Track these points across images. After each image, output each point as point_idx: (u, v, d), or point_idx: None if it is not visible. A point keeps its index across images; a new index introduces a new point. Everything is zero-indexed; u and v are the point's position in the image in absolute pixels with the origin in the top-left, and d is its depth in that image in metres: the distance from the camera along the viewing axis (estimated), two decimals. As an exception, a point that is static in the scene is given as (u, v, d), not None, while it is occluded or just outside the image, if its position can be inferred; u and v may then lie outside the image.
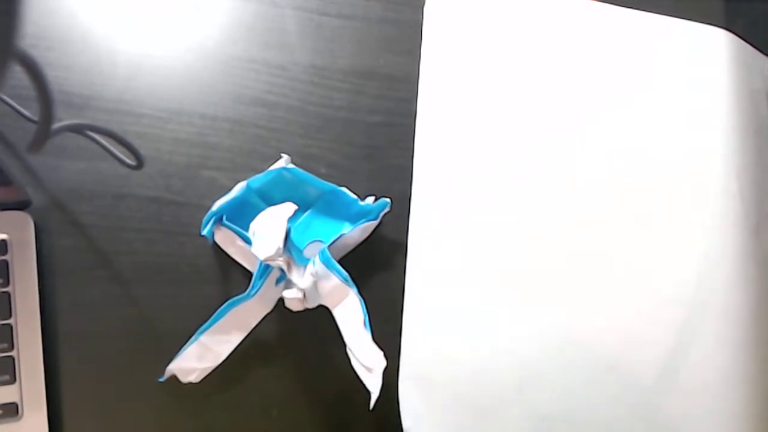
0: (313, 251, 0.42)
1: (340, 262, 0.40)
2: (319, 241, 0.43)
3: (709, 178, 0.48)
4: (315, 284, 0.39)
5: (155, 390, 0.40)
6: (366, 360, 0.38)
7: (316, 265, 0.39)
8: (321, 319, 0.40)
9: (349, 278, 0.39)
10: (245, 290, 0.39)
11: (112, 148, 0.38)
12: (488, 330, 0.44)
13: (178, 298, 0.42)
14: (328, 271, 0.39)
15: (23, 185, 0.40)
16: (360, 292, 0.40)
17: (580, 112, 0.48)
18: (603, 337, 0.44)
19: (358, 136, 0.47)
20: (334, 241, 0.41)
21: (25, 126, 0.40)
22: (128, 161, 0.38)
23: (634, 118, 0.49)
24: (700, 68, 0.51)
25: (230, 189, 0.42)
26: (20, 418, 0.37)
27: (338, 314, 0.40)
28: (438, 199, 0.46)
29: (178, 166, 0.43)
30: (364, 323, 0.39)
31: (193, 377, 0.39)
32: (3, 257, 0.38)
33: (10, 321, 0.38)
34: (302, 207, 0.43)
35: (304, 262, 0.40)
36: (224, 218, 0.41)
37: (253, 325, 0.41)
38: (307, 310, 0.39)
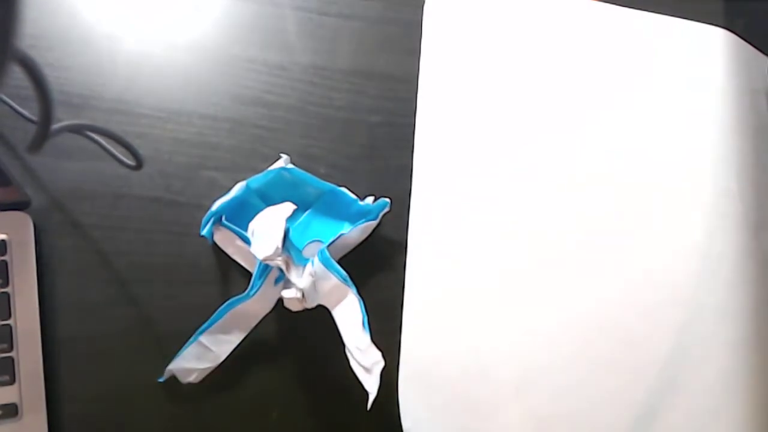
0: (312, 251, 0.42)
1: (339, 262, 0.40)
2: (319, 241, 0.43)
3: (709, 178, 0.48)
4: (314, 284, 0.39)
5: (155, 390, 0.40)
6: (365, 360, 0.38)
7: (315, 265, 0.39)
8: (320, 319, 0.40)
9: (348, 278, 0.39)
10: (245, 290, 0.39)
11: (111, 149, 0.38)
12: (488, 330, 0.44)
13: (178, 298, 0.42)
14: (327, 271, 0.39)
15: (23, 185, 0.40)
16: (359, 292, 0.40)
17: (580, 111, 0.48)
18: (603, 337, 0.44)
19: (358, 136, 0.47)
20: (333, 241, 0.41)
21: (25, 126, 0.40)
22: (128, 162, 0.38)
23: (634, 117, 0.49)
24: (700, 68, 0.51)
25: (230, 189, 0.41)
26: (20, 419, 0.37)
27: (337, 314, 0.40)
28: (438, 199, 0.46)
29: (177, 167, 0.43)
30: (363, 323, 0.39)
31: (193, 377, 0.39)
32: (3, 257, 0.38)
33: (10, 321, 0.37)
34: (302, 207, 0.43)
35: (304, 262, 0.40)
36: (223, 218, 0.41)
37: (253, 325, 0.41)
38: (306, 310, 0.39)
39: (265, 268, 0.39)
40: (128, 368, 0.40)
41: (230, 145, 0.44)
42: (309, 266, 0.39)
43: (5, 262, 0.38)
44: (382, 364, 0.39)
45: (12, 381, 0.37)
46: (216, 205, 0.41)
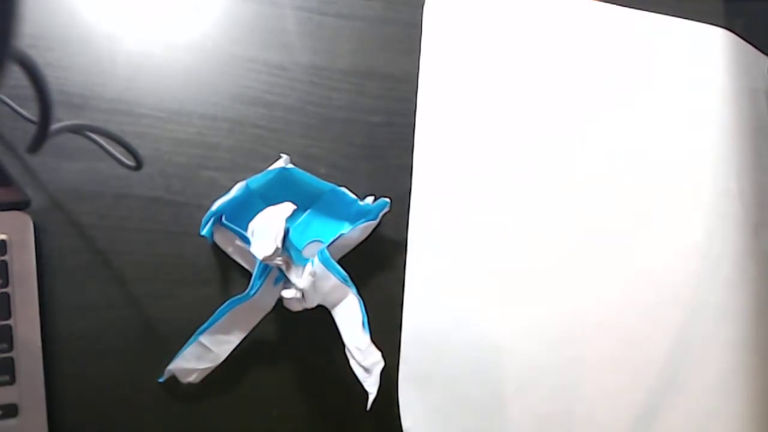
0: (312, 251, 0.42)
1: (339, 262, 0.40)
2: (319, 241, 0.43)
3: (709, 178, 0.48)
4: (314, 284, 0.39)
5: (155, 390, 0.40)
6: (364, 360, 0.38)
7: (315, 265, 0.39)
8: (320, 319, 0.40)
9: (348, 278, 0.39)
10: (244, 290, 0.39)
11: (111, 149, 0.38)
12: (488, 330, 0.44)
13: (178, 298, 0.42)
14: (327, 271, 0.39)
15: (23, 185, 0.40)
16: (359, 292, 0.40)
17: (581, 111, 0.48)
18: (603, 336, 0.44)
19: (358, 136, 0.47)
20: (333, 241, 0.41)
21: (24, 126, 0.40)
22: (128, 162, 0.38)
23: (634, 117, 0.49)
24: (700, 68, 0.51)
25: (230, 189, 0.41)
26: (20, 419, 0.37)
27: (337, 314, 0.40)
28: (438, 198, 0.46)
29: (177, 167, 0.43)
30: (363, 323, 0.39)
31: (193, 378, 0.39)
32: (2, 257, 0.38)
33: (10, 321, 0.37)
34: (301, 207, 0.43)
35: (303, 262, 0.40)
36: (223, 218, 0.41)
37: (253, 326, 0.41)
38: (306, 310, 0.39)
39: (264, 268, 0.39)
40: (128, 368, 0.40)
41: (230, 145, 0.44)
42: (309, 266, 0.39)
43: (5, 262, 0.38)
44: (382, 364, 0.39)
45: (12, 381, 0.37)
46: (216, 205, 0.41)
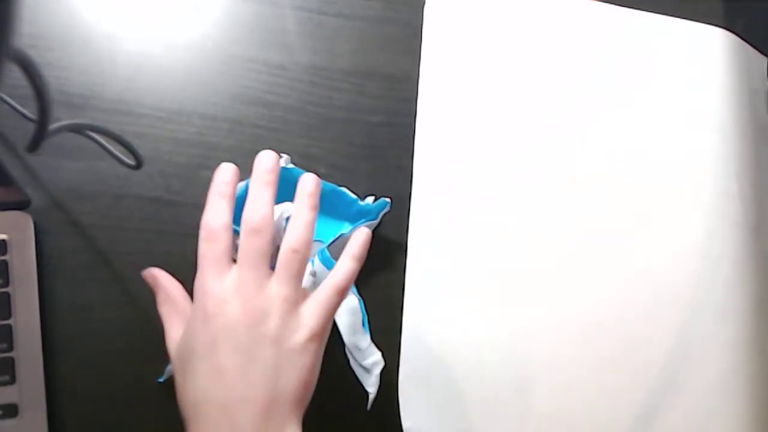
0: (312, 251, 0.42)
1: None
2: (319, 241, 0.43)
3: (708, 178, 0.48)
4: (314, 284, 0.39)
5: (155, 390, 0.40)
6: (364, 360, 0.39)
7: (315, 265, 0.39)
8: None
9: None
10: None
11: (111, 148, 0.38)
12: (488, 329, 0.44)
13: (178, 298, 0.42)
14: (328, 271, 0.39)
15: (23, 185, 0.40)
16: (359, 292, 0.40)
17: (581, 111, 0.48)
18: (603, 336, 0.44)
19: (358, 136, 0.47)
20: (333, 241, 0.41)
21: (25, 126, 0.39)
22: (128, 161, 0.38)
23: (634, 117, 0.49)
24: (700, 68, 0.51)
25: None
26: (20, 419, 0.37)
27: (337, 314, 0.40)
28: (438, 199, 0.46)
29: (177, 166, 0.43)
30: (363, 323, 0.39)
31: None
32: (3, 257, 0.38)
33: (10, 321, 0.37)
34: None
35: None
36: None
37: None
38: None
39: None
40: (128, 368, 0.40)
41: (230, 145, 0.44)
42: (309, 266, 0.39)
43: (5, 262, 0.38)
44: (382, 364, 0.39)
45: (12, 381, 0.37)
46: None
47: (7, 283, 0.38)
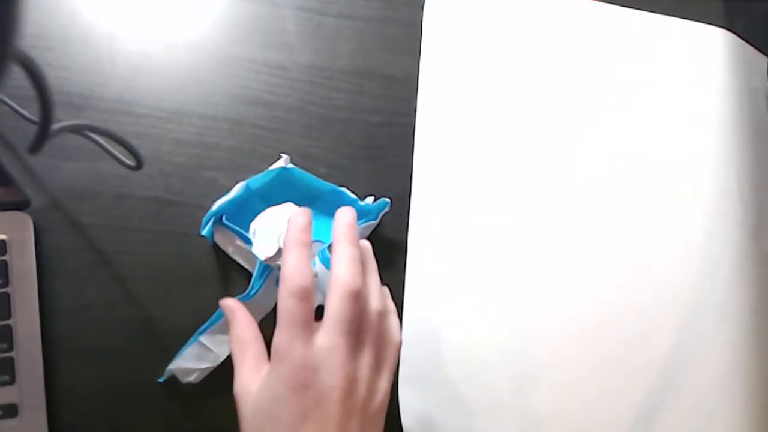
0: (312, 251, 0.42)
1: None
2: (320, 241, 0.43)
3: (708, 178, 0.48)
4: (317, 285, 0.39)
5: (155, 390, 0.40)
6: None
7: (315, 266, 0.39)
8: (321, 319, 0.40)
9: None
10: (245, 290, 0.39)
11: (111, 149, 0.38)
12: (488, 329, 0.44)
13: (178, 298, 0.42)
14: (328, 271, 0.39)
15: (23, 185, 0.40)
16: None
17: (580, 111, 0.48)
18: (603, 336, 0.44)
19: (358, 136, 0.47)
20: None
21: (24, 126, 0.40)
22: (128, 162, 0.38)
23: (634, 117, 0.49)
24: (700, 68, 0.51)
25: (230, 189, 0.41)
26: (20, 419, 0.37)
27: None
28: (438, 198, 0.46)
29: (177, 166, 0.43)
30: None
31: (193, 378, 0.39)
32: (3, 257, 0.38)
33: (10, 321, 0.37)
34: (302, 207, 0.43)
35: None
36: (224, 218, 0.41)
37: None
38: None
39: (265, 268, 0.39)
40: (128, 368, 0.40)
41: (230, 145, 0.44)
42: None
43: (5, 262, 0.38)
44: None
45: (12, 381, 0.37)
46: (216, 205, 0.41)
47: (7, 283, 0.38)
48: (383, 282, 0.44)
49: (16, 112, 0.39)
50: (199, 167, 0.44)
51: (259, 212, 0.40)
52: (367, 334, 0.33)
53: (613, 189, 0.47)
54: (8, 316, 0.37)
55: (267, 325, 0.41)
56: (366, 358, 0.32)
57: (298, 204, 0.42)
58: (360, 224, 0.42)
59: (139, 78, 0.44)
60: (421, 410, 0.42)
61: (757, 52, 0.54)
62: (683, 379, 0.44)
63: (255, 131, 0.45)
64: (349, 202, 0.43)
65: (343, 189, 0.43)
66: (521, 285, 0.45)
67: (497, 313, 0.44)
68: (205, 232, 0.41)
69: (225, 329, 0.40)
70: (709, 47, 0.52)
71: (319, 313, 0.40)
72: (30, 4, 0.43)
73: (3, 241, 0.38)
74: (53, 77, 0.43)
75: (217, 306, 0.39)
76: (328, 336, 0.31)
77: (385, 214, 0.44)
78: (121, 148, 0.36)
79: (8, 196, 0.39)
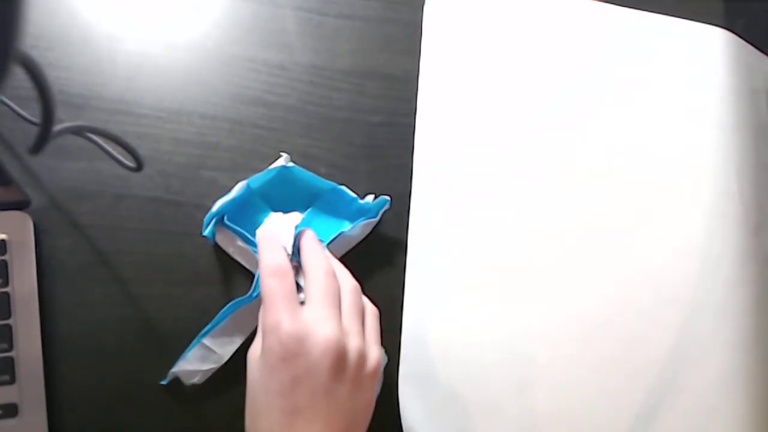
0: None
1: (340, 260, 0.40)
2: (319, 240, 0.43)
3: (709, 178, 0.48)
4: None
5: (155, 390, 0.40)
6: None
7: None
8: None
9: None
10: (246, 291, 0.39)
11: (112, 151, 0.38)
12: (488, 329, 0.44)
13: (178, 298, 0.42)
14: None
15: (23, 185, 0.40)
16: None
17: (580, 111, 0.48)
18: (602, 336, 0.44)
19: (358, 136, 0.47)
20: (333, 240, 0.41)
21: (24, 126, 0.40)
22: (128, 163, 0.38)
23: (634, 118, 0.49)
24: (700, 68, 0.51)
25: (230, 189, 0.42)
26: (20, 419, 0.37)
27: None
28: (438, 197, 0.46)
29: (177, 166, 0.43)
30: None
31: (197, 379, 0.39)
32: (2, 257, 0.38)
33: (10, 321, 0.37)
34: (302, 205, 0.43)
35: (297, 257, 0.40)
36: (225, 218, 0.41)
37: (255, 326, 0.41)
38: None
39: None
40: (128, 368, 0.40)
41: (230, 145, 0.44)
42: None
43: (5, 262, 0.38)
44: (385, 360, 0.39)
45: (12, 381, 0.37)
46: (217, 206, 0.41)
47: (6, 283, 0.38)
48: (383, 281, 0.45)
49: (17, 114, 0.39)
50: (199, 167, 0.44)
51: (261, 211, 0.40)
52: (348, 307, 0.34)
53: (613, 189, 0.47)
54: (8, 316, 0.37)
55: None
56: (353, 326, 0.33)
57: (299, 202, 0.42)
58: (360, 222, 0.42)
59: (139, 78, 0.44)
60: (421, 410, 0.42)
61: (757, 52, 0.54)
62: (683, 379, 0.44)
63: (255, 131, 0.45)
64: (349, 200, 0.43)
65: (343, 187, 0.43)
66: (521, 284, 0.45)
67: (497, 312, 0.44)
68: (206, 232, 0.41)
69: (228, 331, 0.40)
70: (709, 47, 0.52)
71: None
72: (30, 4, 0.43)
73: (3, 241, 0.38)
74: (53, 77, 0.43)
75: (217, 305, 0.39)
76: (315, 307, 0.32)
77: (385, 213, 0.44)
78: (121, 150, 0.36)
79: (8, 196, 0.39)
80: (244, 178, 0.42)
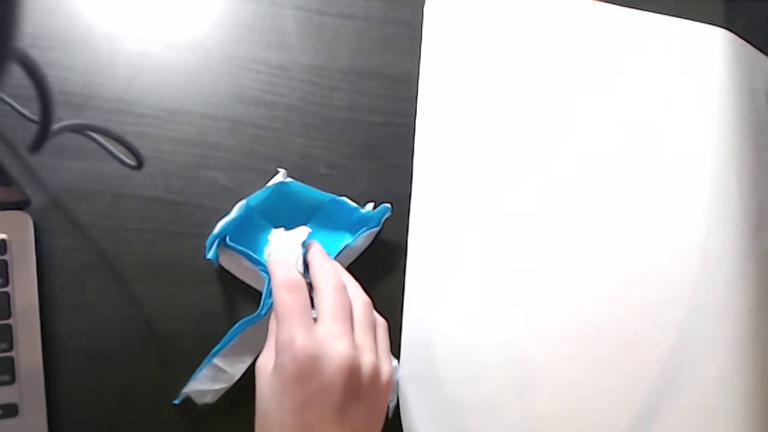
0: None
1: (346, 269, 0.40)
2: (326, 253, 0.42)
3: (709, 178, 0.48)
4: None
5: (155, 390, 0.40)
6: None
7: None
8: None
9: None
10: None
11: (112, 149, 0.38)
12: (488, 330, 0.44)
13: (178, 298, 0.42)
14: None
15: (23, 185, 0.40)
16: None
17: (581, 112, 0.48)
18: (603, 337, 0.44)
19: (358, 136, 0.47)
20: (338, 254, 0.41)
21: (25, 126, 0.40)
22: (128, 161, 0.38)
23: (634, 118, 0.49)
24: (700, 68, 0.51)
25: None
26: (20, 419, 0.37)
27: None
28: (438, 199, 0.46)
29: (177, 166, 0.43)
30: None
31: (209, 399, 0.39)
32: (3, 257, 0.38)
33: (10, 321, 0.37)
34: (303, 220, 0.43)
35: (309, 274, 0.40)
36: (228, 239, 0.40)
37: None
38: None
39: None
40: (128, 368, 0.40)
41: (230, 144, 0.44)
42: None
43: (5, 262, 0.38)
44: (396, 374, 0.39)
45: (12, 381, 0.37)
46: (218, 227, 0.40)
47: (6, 283, 0.38)
48: (383, 282, 0.45)
49: (17, 111, 0.39)
50: (199, 167, 0.44)
51: (262, 229, 0.39)
52: (360, 322, 0.34)
53: (612, 189, 0.47)
54: (8, 315, 0.37)
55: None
56: (366, 342, 0.33)
57: (300, 216, 0.42)
58: (361, 233, 0.42)
59: (139, 78, 0.44)
60: (421, 410, 0.42)
61: (758, 52, 0.54)
62: (683, 379, 0.44)
63: (255, 131, 0.45)
64: (350, 210, 0.43)
65: (343, 198, 0.43)
66: (521, 284, 0.45)
67: (497, 313, 0.44)
68: (210, 255, 0.40)
69: (238, 350, 0.39)
70: (709, 47, 0.52)
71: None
72: (30, 4, 0.44)
73: (3, 240, 0.38)
74: (53, 77, 0.43)
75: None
76: (327, 323, 0.32)
77: (386, 219, 0.44)
78: (121, 148, 0.36)
79: (8, 195, 0.39)
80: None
